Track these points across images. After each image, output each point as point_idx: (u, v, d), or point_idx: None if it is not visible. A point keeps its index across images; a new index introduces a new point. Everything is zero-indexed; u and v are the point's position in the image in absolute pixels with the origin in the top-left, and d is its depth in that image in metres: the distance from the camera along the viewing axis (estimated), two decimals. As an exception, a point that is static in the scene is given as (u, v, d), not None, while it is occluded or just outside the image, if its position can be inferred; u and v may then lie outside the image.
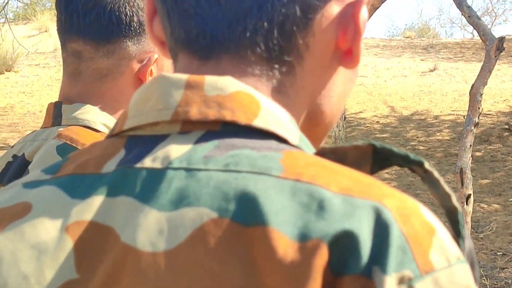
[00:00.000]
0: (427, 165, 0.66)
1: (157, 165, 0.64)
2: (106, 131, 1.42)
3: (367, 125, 12.07)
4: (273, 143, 0.65)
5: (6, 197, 0.69)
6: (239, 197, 0.60)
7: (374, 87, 14.30)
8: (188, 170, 0.63)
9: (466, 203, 5.43)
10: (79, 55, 1.45)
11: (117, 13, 1.41)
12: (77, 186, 0.66)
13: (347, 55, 0.71)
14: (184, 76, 0.67)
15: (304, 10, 0.68)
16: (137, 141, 0.67)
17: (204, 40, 0.69)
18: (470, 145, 5.67)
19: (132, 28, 1.42)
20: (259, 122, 0.66)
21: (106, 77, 1.45)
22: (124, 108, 1.31)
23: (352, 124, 12.03)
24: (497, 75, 14.86)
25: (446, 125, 11.96)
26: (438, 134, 11.62)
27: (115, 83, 1.46)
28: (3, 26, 12.59)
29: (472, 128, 5.65)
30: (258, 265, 0.57)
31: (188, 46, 0.70)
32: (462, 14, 5.81)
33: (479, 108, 5.64)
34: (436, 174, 0.66)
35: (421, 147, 11.11)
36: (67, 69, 1.49)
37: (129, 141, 0.68)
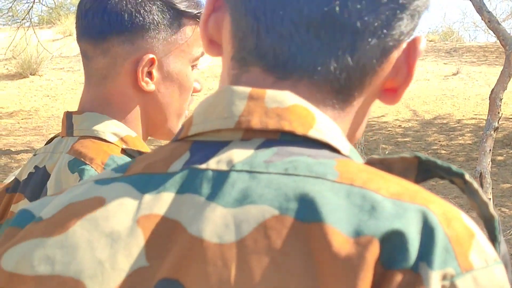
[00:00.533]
0: (467, 176, 0.72)
1: (222, 167, 0.71)
2: (116, 140, 1.46)
3: (389, 129, 12.05)
4: (326, 153, 0.72)
5: (79, 192, 0.76)
6: (298, 197, 0.67)
7: (397, 91, 14.29)
8: (250, 172, 0.70)
9: (485, 208, 5.44)
10: (85, 55, 1.50)
11: (112, 12, 1.44)
12: (147, 184, 0.73)
13: (390, 92, 0.79)
14: (247, 89, 0.73)
15: (381, 57, 0.75)
16: (201, 146, 0.74)
17: (292, 63, 0.74)
18: (490, 150, 5.67)
19: (124, 28, 1.44)
20: (314, 133, 0.72)
21: (106, 78, 1.48)
22: (131, 111, 1.48)
23: (374, 128, 12.02)
24: (521, 79, 14.80)
25: (468, 129, 11.92)
26: (460, 138, 11.59)
27: (114, 85, 1.48)
28: (27, 30, 12.71)
29: (492, 132, 5.65)
30: (316, 257, 0.64)
31: (269, 63, 0.75)
32: (482, 19, 5.82)
33: (498, 112, 5.64)
34: (475, 184, 0.73)
35: (443, 151, 11.08)
36: (84, 72, 1.54)
37: (193, 145, 0.74)
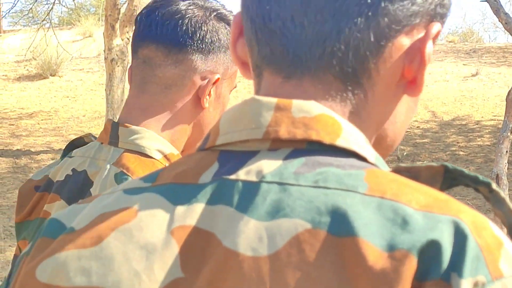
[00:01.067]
0: (494, 185, 0.74)
1: (252, 178, 0.72)
2: (161, 157, 1.51)
3: (408, 130, 12.02)
4: (354, 161, 0.73)
5: (109, 202, 0.77)
6: (330, 211, 0.68)
7: (415, 92, 14.26)
8: (280, 184, 0.71)
9: (502, 209, 5.43)
10: (149, 61, 1.54)
11: (194, 26, 1.51)
12: (178, 194, 0.74)
13: (411, 84, 0.78)
14: (273, 100, 0.74)
15: (377, 37, 0.75)
16: (229, 156, 0.75)
17: (287, 58, 0.76)
18: (507, 151, 5.66)
19: (203, 44, 1.51)
20: (341, 142, 0.73)
21: (170, 88, 1.53)
22: (183, 124, 1.54)
23: (392, 129, 12.03)
24: (541, 80, 14.70)
25: (487, 131, 11.88)
26: (479, 139, 11.55)
27: (178, 96, 1.54)
28: (47, 31, 12.80)
29: (509, 134, 5.64)
30: (350, 271, 0.65)
31: (273, 63, 0.77)
32: (499, 21, 5.81)
33: (516, 114, 5.63)
34: (502, 193, 0.74)
35: (461, 153, 11.05)
36: (135, 78, 1.57)
37: (221, 155, 0.75)
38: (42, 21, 13.70)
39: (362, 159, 0.74)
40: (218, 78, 1.53)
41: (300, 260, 0.67)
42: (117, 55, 10.67)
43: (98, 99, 13.35)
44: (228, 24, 1.55)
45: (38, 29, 13.41)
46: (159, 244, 0.71)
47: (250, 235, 0.69)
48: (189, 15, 1.51)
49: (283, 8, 0.76)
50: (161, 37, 1.52)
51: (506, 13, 5.79)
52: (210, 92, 1.53)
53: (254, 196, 0.70)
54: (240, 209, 0.70)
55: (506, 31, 5.48)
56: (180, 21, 1.51)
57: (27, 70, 15.42)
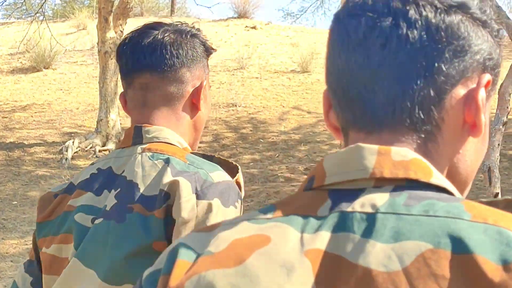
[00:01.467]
0: None
1: (368, 210, 0.86)
2: (180, 146, 1.79)
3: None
4: (447, 196, 0.87)
5: (238, 229, 0.91)
6: (446, 234, 0.81)
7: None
8: (395, 214, 0.85)
9: (494, 202, 5.44)
10: (146, 86, 1.81)
11: (176, 49, 1.81)
12: (302, 224, 0.88)
13: (473, 127, 0.92)
14: (375, 146, 0.89)
15: (436, 92, 0.90)
16: (338, 193, 0.89)
17: (367, 118, 0.93)
18: (499, 144, 5.68)
19: (187, 60, 1.82)
20: (435, 180, 0.88)
21: (171, 100, 1.82)
22: (185, 126, 1.85)
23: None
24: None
25: (480, 124, 11.90)
26: (471, 132, 11.57)
27: (178, 106, 1.83)
28: (41, 23, 12.78)
29: (501, 127, 5.66)
30: (472, 282, 0.78)
31: (356, 124, 0.94)
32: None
33: (507, 107, 5.65)
34: None
35: (454, 146, 11.08)
36: (134, 102, 1.84)
37: (331, 193, 0.89)
38: (36, 13, 13.66)
39: (451, 194, 0.89)
40: (202, 82, 1.84)
41: (429, 273, 0.79)
42: (110, 47, 10.66)
43: (91, 92, 13.34)
44: (194, 36, 1.86)
45: (32, 21, 13.38)
46: (296, 263, 0.85)
47: (379, 255, 0.82)
48: (169, 40, 1.81)
49: (357, 79, 0.93)
50: (153, 65, 1.80)
51: (498, 6, 5.80)
52: (200, 95, 1.83)
53: (374, 225, 0.84)
54: (364, 236, 0.84)
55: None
56: (164, 47, 1.80)
57: (21, 62, 15.39)
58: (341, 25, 0.95)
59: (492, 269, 0.78)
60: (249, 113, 12.68)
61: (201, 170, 1.69)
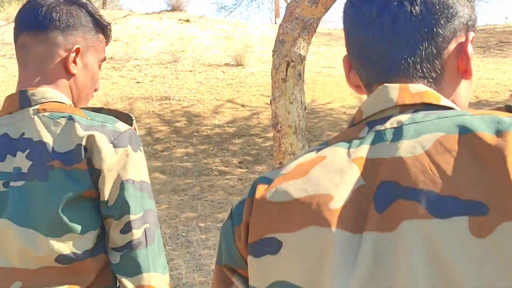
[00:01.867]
0: None
1: (395, 125, 1.16)
2: (67, 102, 1.92)
3: (334, 115, 12.12)
4: (454, 110, 1.17)
5: (301, 157, 1.22)
6: (454, 124, 1.11)
7: (342, 78, 14.32)
8: (415, 123, 1.14)
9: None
10: (24, 45, 1.95)
11: (49, 12, 1.94)
12: (348, 144, 1.18)
13: (465, 73, 1.24)
14: (396, 85, 1.19)
15: (437, 49, 1.22)
16: (373, 122, 1.19)
17: (387, 74, 1.23)
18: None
19: (60, 24, 1.94)
20: (444, 102, 1.19)
21: (44, 62, 1.94)
22: (63, 86, 1.97)
23: (319, 114, 12.07)
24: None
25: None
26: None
27: (52, 67, 1.95)
28: (-32, 16, 12.45)
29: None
30: (476, 150, 1.07)
31: (378, 79, 1.23)
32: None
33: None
34: None
35: (387, 138, 11.17)
36: (19, 61, 1.97)
37: (368, 123, 1.20)
38: (-38, 5, 13.30)
39: None
40: (78, 48, 1.95)
41: (445, 150, 1.09)
42: (40, 40, 10.43)
43: (21, 86, 13.05)
44: (79, 5, 1.98)
45: (-42, 13, 13.02)
46: (346, 168, 1.14)
47: (406, 147, 1.12)
48: (47, 3, 1.95)
49: (377, 47, 1.23)
50: (28, 25, 1.95)
51: None
52: (75, 60, 1.96)
53: (401, 132, 1.14)
54: (393, 140, 1.14)
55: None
56: (39, 10, 1.94)
57: None
58: (356, 8, 1.26)
59: (489, 138, 1.07)
60: (183, 107, 12.58)
61: (107, 123, 1.86)
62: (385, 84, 1.19)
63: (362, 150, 1.15)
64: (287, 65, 3.80)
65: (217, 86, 13.57)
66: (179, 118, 12.11)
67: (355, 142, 1.17)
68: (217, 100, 12.88)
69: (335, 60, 16.04)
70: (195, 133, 11.49)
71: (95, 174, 1.80)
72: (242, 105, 12.57)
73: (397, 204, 1.09)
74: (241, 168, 10.26)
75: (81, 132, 1.81)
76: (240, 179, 9.78)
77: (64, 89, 1.96)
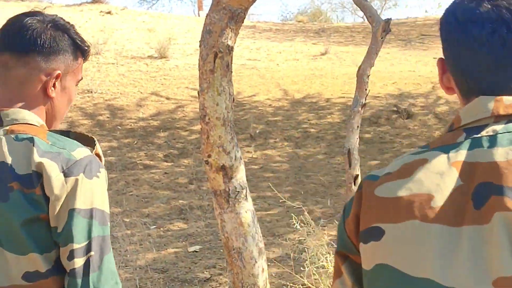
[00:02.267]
0: None
1: (490, 133, 1.32)
2: (40, 125, 1.96)
3: (260, 108, 12.09)
4: None
5: (405, 159, 1.39)
6: None
7: (267, 71, 14.34)
8: (509, 132, 1.31)
9: (354, 184, 5.48)
10: (6, 65, 1.97)
11: (35, 36, 1.97)
12: (447, 149, 1.35)
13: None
14: (492, 97, 1.35)
15: None
16: (470, 129, 1.34)
17: (488, 89, 1.37)
18: (358, 126, 5.71)
19: (44, 49, 1.97)
20: None
21: (24, 84, 1.97)
22: (38, 108, 2.00)
23: (245, 107, 12.03)
24: (387, 58, 15.12)
25: (336, 108, 12.11)
26: (329, 116, 11.76)
27: (31, 90, 1.98)
28: None
29: (359, 109, 5.69)
30: None
31: (479, 93, 1.37)
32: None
33: (366, 89, 5.68)
34: None
35: (312, 130, 11.21)
36: (1, 79, 1.98)
37: (465, 130, 1.35)
38: None
39: None
40: (59, 74, 1.98)
41: None
42: None
43: None
44: (63, 31, 2.02)
45: None
46: (446, 171, 1.31)
47: (501, 153, 1.28)
48: (32, 27, 1.97)
49: (483, 66, 1.38)
50: (12, 46, 1.97)
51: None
52: (54, 84, 1.98)
53: (496, 140, 1.31)
54: (489, 147, 1.30)
55: (356, 8, 5.51)
56: (25, 32, 1.96)
57: None
58: (463, 27, 1.38)
59: None
60: (106, 100, 12.35)
61: (64, 150, 1.88)
62: (482, 97, 1.36)
63: (460, 155, 1.32)
64: (214, 56, 3.71)
65: (140, 79, 13.39)
66: (102, 111, 11.89)
67: (454, 146, 1.34)
68: (141, 93, 12.70)
69: (259, 52, 16.04)
70: (119, 127, 11.30)
71: (48, 199, 1.84)
72: (167, 98, 12.43)
73: (491, 200, 1.26)
74: (166, 161, 10.13)
75: (36, 157, 1.86)
76: (165, 172, 9.66)
77: (39, 112, 1.99)
